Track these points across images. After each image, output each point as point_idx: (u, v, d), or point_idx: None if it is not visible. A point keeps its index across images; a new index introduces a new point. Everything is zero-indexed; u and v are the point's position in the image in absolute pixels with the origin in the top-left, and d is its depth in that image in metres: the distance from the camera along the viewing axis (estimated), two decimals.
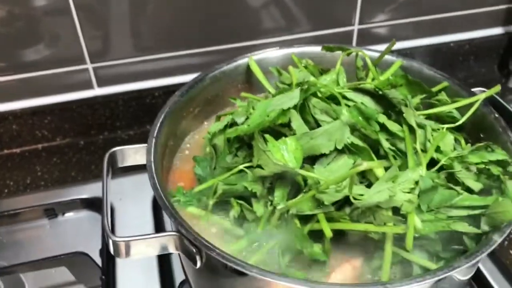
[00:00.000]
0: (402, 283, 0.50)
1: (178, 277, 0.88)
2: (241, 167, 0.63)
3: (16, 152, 1.16)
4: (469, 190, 0.62)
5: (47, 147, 1.18)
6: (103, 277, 0.86)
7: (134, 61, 1.14)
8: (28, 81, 1.11)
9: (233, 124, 0.69)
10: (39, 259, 0.82)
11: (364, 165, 0.51)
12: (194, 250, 0.58)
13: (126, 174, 1.07)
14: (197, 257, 0.59)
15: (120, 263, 0.90)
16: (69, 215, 1.01)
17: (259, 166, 0.60)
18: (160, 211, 1.00)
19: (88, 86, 1.16)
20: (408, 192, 0.57)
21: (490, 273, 0.86)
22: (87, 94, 1.16)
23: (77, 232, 0.98)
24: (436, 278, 0.51)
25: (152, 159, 0.64)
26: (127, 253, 0.60)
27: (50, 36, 1.06)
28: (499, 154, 0.62)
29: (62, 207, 1.00)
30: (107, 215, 0.63)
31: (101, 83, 1.16)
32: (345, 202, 0.60)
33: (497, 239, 0.54)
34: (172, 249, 0.61)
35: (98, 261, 0.89)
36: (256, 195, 0.62)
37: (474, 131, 0.72)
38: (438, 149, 0.66)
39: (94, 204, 1.01)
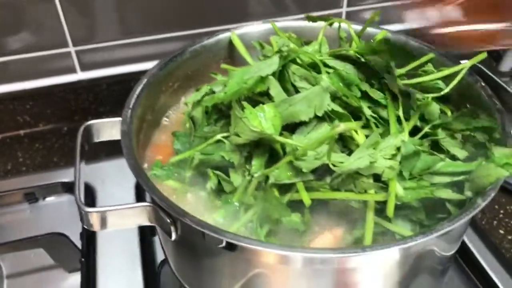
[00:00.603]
0: (383, 247, 0.48)
1: (160, 259, 0.86)
2: (218, 136, 0.61)
3: None
4: (454, 158, 0.60)
5: (29, 133, 1.15)
6: (83, 259, 0.84)
7: (118, 44, 1.12)
8: (8, 64, 1.08)
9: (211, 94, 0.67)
10: (15, 240, 0.80)
11: (342, 126, 0.49)
12: (168, 220, 0.56)
13: (108, 158, 1.05)
14: (172, 228, 0.57)
15: (100, 245, 0.88)
16: (50, 199, 0.98)
17: (236, 135, 0.58)
18: (143, 195, 0.98)
19: (71, 70, 1.13)
20: (390, 159, 0.55)
21: (480, 253, 0.84)
22: (70, 79, 1.14)
23: (58, 216, 0.95)
24: (418, 242, 0.49)
25: (127, 129, 0.62)
26: (102, 225, 0.58)
27: (31, 18, 1.04)
28: (485, 121, 0.60)
29: (42, 191, 0.98)
30: (79, 187, 0.61)
31: (84, 67, 1.13)
32: (326, 171, 0.58)
33: (481, 202, 0.52)
34: (145, 221, 0.59)
35: (79, 244, 0.86)
36: (234, 165, 0.60)
37: (461, 102, 0.70)
38: (423, 119, 0.64)
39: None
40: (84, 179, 0.99)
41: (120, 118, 0.68)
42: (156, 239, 0.90)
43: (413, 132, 0.62)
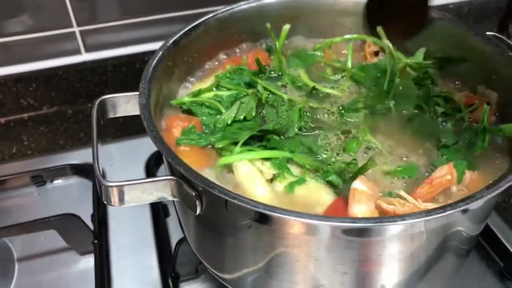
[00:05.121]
0: (420, 216, 0.47)
1: (175, 239, 0.83)
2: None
3: (0, 122, 1.11)
4: None
5: (33, 116, 1.12)
6: (96, 241, 0.82)
7: (122, 24, 1.09)
8: (11, 45, 1.05)
9: None
10: (26, 222, 0.77)
11: None
12: (193, 194, 0.54)
13: (116, 140, 1.03)
14: (197, 202, 0.55)
15: (112, 227, 0.86)
16: (58, 182, 0.96)
17: None
18: (153, 175, 0.96)
19: (76, 51, 1.10)
20: None
21: (500, 230, 0.83)
22: (74, 60, 1.10)
23: (67, 199, 0.93)
24: (458, 210, 0.47)
25: (145, 102, 0.60)
26: (121, 200, 0.56)
27: None
28: None
29: (50, 174, 0.95)
30: (97, 161, 0.58)
31: (89, 48, 1.10)
32: None
33: None
34: (168, 195, 0.57)
35: (90, 226, 0.84)
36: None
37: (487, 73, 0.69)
38: None
39: (84, 170, 0.96)
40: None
41: (135, 93, 0.66)
42: (169, 220, 0.88)
43: None
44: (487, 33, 0.72)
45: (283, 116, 0.68)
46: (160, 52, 0.68)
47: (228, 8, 0.77)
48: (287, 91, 0.73)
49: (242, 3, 0.78)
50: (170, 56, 0.70)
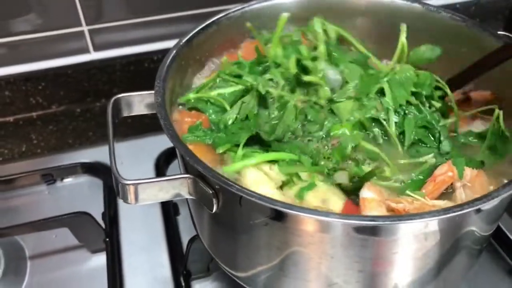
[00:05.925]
0: (438, 214, 0.47)
1: (186, 238, 0.84)
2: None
3: (10, 121, 1.11)
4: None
5: (42, 115, 1.12)
6: (107, 239, 0.82)
7: (131, 23, 1.09)
8: (20, 44, 1.05)
9: None
10: (40, 220, 0.78)
11: None
12: (210, 192, 0.54)
13: (125, 139, 1.03)
14: (214, 200, 0.55)
15: (124, 225, 0.86)
16: (68, 180, 0.96)
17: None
18: (163, 173, 0.96)
19: (84, 50, 1.10)
20: None
21: (510, 230, 0.83)
22: (83, 59, 1.11)
23: (77, 197, 0.93)
24: (474, 208, 0.48)
25: (161, 101, 0.60)
26: (137, 198, 0.56)
27: None
28: None
29: (60, 172, 0.95)
30: (114, 158, 0.59)
31: (97, 47, 1.11)
32: None
33: None
34: (185, 194, 0.57)
35: (101, 224, 0.85)
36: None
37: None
38: None
39: (95, 169, 0.96)
40: (102, 160, 0.97)
41: (150, 92, 0.66)
42: (180, 218, 0.88)
43: None
44: (498, 32, 0.72)
45: (275, 120, 0.67)
46: (174, 51, 0.69)
47: (240, 7, 0.77)
48: (275, 84, 0.71)
49: (253, 2, 0.78)
50: (183, 55, 0.70)
